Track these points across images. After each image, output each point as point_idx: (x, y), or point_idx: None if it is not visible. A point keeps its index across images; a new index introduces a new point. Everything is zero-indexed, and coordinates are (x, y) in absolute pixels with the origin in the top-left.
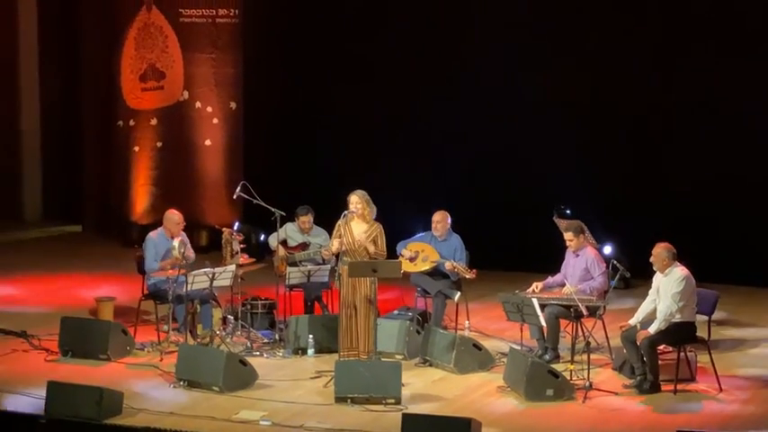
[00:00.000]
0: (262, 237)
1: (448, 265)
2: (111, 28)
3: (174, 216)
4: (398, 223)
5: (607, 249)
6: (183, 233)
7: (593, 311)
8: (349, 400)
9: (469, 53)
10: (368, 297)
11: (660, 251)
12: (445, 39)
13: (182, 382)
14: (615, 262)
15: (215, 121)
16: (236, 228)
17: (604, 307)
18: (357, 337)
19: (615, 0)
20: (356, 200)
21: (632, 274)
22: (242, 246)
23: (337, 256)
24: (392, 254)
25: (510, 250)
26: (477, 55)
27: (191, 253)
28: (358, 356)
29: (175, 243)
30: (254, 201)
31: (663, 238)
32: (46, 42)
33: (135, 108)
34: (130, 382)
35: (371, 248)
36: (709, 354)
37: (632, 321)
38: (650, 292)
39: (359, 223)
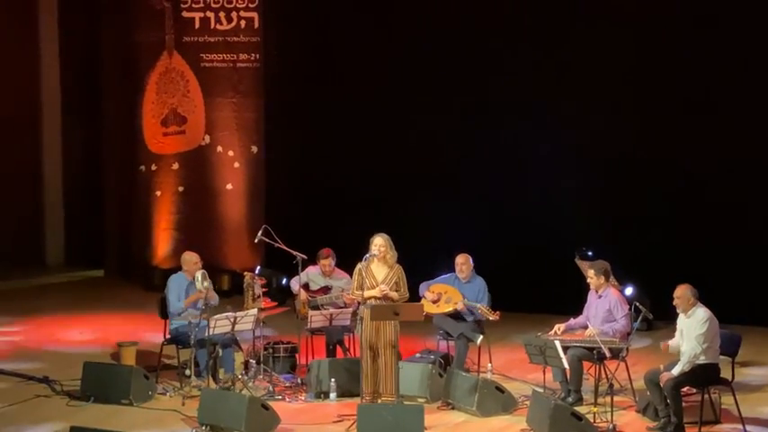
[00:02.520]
0: (284, 280)
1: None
2: (134, 73)
3: (190, 257)
4: (422, 265)
5: (628, 291)
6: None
7: (615, 353)
8: None
9: (495, 100)
10: (390, 341)
11: (683, 292)
12: (470, 85)
13: (204, 427)
14: (637, 304)
15: (236, 165)
16: (257, 271)
17: (627, 349)
18: (379, 381)
19: (632, 50)
20: (381, 242)
21: (655, 316)
22: (264, 290)
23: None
24: (415, 295)
25: (532, 292)
26: (502, 101)
27: (213, 295)
28: (380, 400)
29: (199, 275)
30: (276, 245)
31: (685, 279)
32: (69, 86)
33: (157, 153)
34: (153, 427)
35: (395, 296)
36: (734, 395)
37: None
38: (676, 335)
39: (380, 267)
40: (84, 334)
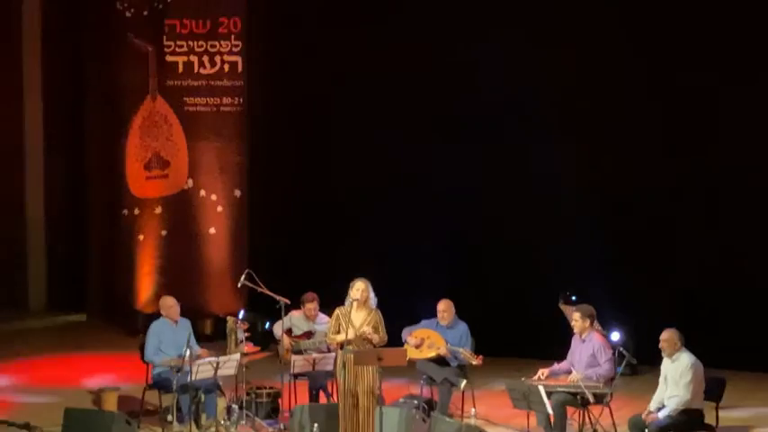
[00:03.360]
0: (267, 325)
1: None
2: (117, 117)
3: (166, 300)
4: (404, 310)
5: (615, 336)
6: (188, 321)
7: (600, 398)
8: None
9: (476, 140)
10: (370, 387)
11: (670, 336)
12: (452, 122)
13: None
14: (621, 348)
15: (219, 209)
16: (241, 316)
17: (611, 394)
18: (358, 428)
19: (627, 88)
20: (362, 286)
21: (639, 361)
22: (247, 334)
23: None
24: (397, 341)
25: (516, 337)
26: (483, 141)
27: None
28: None
29: (186, 354)
30: (259, 289)
31: (669, 323)
32: (52, 131)
33: (140, 196)
34: None
35: (375, 338)
36: None
37: (651, 407)
38: (660, 380)
39: (359, 311)
40: (65, 379)
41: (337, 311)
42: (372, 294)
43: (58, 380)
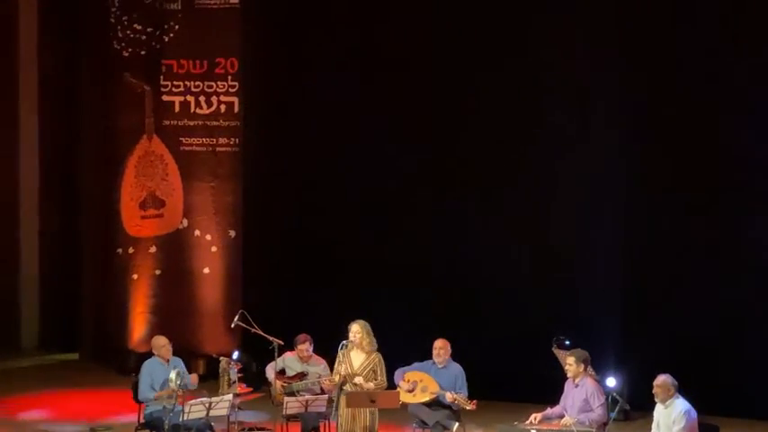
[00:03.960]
0: (260, 366)
1: (449, 397)
2: (112, 155)
3: (158, 340)
4: (397, 352)
5: (611, 381)
6: (180, 360)
7: None
8: None
9: (467, 174)
10: (365, 426)
11: (664, 381)
12: (445, 151)
13: None
14: (615, 394)
15: (213, 249)
16: (235, 357)
17: None
18: None
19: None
20: (357, 329)
21: (632, 407)
22: (240, 375)
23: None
24: (390, 381)
25: (509, 381)
26: (473, 176)
27: (193, 380)
28: None
29: (173, 375)
30: (252, 330)
31: (662, 369)
32: (46, 169)
33: (134, 235)
34: None
35: (370, 385)
36: None
37: None
38: (653, 426)
39: (358, 354)
40: (57, 419)
41: (340, 353)
42: (371, 337)
43: (49, 420)
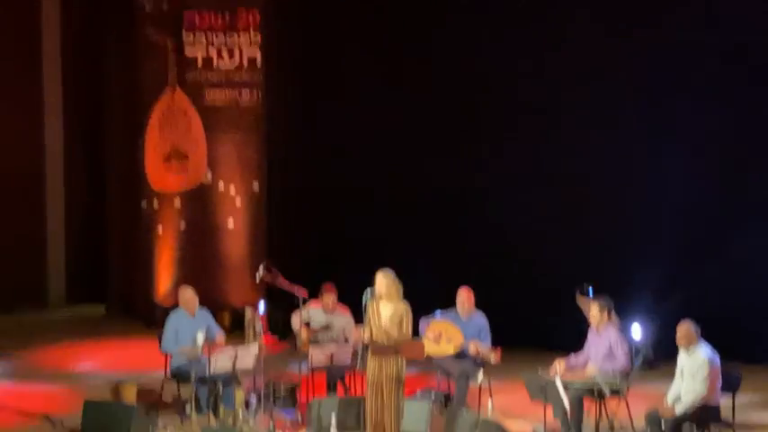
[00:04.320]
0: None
1: (472, 350)
2: (136, 110)
3: (185, 293)
4: (422, 299)
5: (636, 329)
6: (208, 312)
7: (616, 392)
8: None
9: (493, 131)
10: (392, 376)
11: (686, 329)
12: (470, 108)
13: None
14: (638, 341)
15: (238, 202)
16: (260, 308)
17: (628, 387)
18: (382, 419)
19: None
20: (382, 280)
21: (655, 354)
22: (265, 326)
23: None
24: (416, 331)
25: (533, 328)
26: (500, 131)
27: (219, 340)
28: None
29: (200, 339)
30: (277, 282)
31: (686, 316)
32: (71, 124)
33: (159, 190)
34: None
35: (395, 333)
36: None
37: (669, 401)
38: (676, 373)
39: (386, 304)
40: (84, 371)
41: (369, 304)
42: (397, 284)
43: (76, 373)
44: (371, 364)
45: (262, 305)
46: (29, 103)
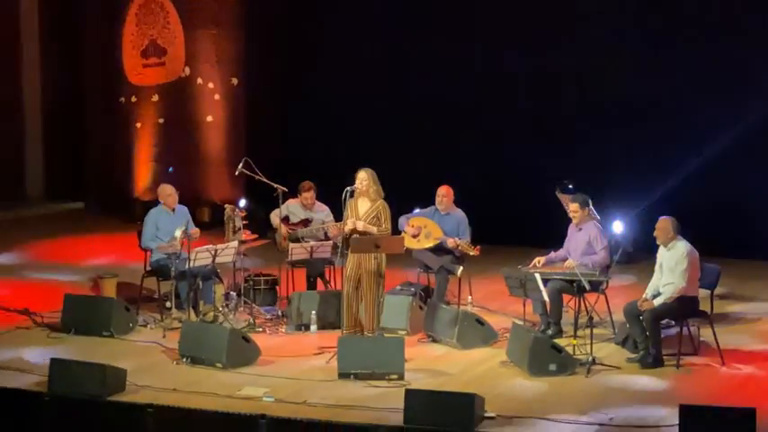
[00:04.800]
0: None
1: (451, 243)
2: (113, 4)
3: (164, 189)
4: (400, 198)
5: (618, 226)
6: (185, 209)
7: (595, 286)
8: (352, 377)
9: (478, 33)
10: (371, 271)
11: (665, 224)
12: (454, 16)
13: (185, 359)
14: (618, 236)
15: (216, 97)
16: (241, 204)
17: (607, 281)
18: (359, 314)
19: None
20: (364, 176)
21: (634, 249)
22: (244, 222)
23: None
24: (395, 228)
25: (512, 225)
26: (484, 35)
27: (195, 232)
28: (362, 333)
29: (178, 233)
30: (257, 177)
31: (666, 212)
32: (47, 20)
33: (137, 84)
34: (134, 359)
35: (373, 230)
36: (712, 328)
37: (647, 294)
38: (656, 268)
39: (364, 201)
40: (63, 267)
41: (348, 200)
42: (377, 185)
43: (55, 267)
44: (351, 258)
45: (242, 201)
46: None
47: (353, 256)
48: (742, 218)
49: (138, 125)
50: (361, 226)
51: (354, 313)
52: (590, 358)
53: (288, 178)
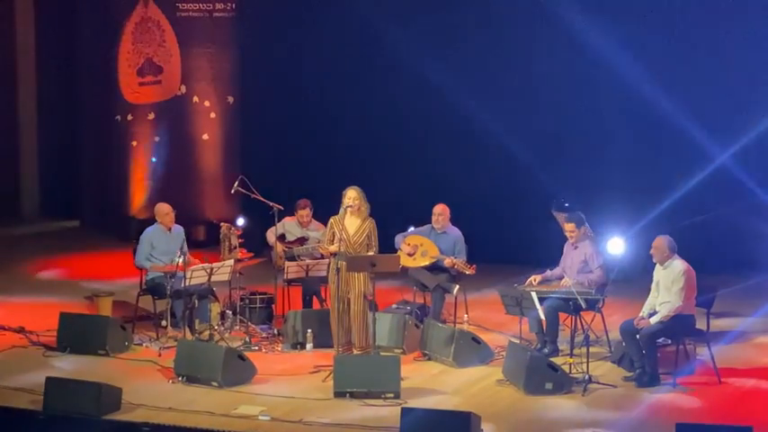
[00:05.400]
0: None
1: (447, 262)
2: (109, 22)
3: (162, 207)
4: (396, 216)
5: (615, 243)
6: (182, 229)
7: (591, 304)
8: (348, 395)
9: (469, 51)
10: (362, 292)
11: (661, 243)
12: (446, 28)
13: (180, 378)
14: (614, 255)
15: (212, 115)
16: (239, 223)
17: (603, 300)
18: (350, 333)
19: None
20: (354, 195)
21: (631, 267)
22: (240, 240)
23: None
24: (391, 246)
25: (508, 244)
26: (476, 54)
27: (188, 260)
28: (352, 351)
29: (180, 261)
30: (252, 195)
31: (662, 231)
32: (44, 37)
33: (133, 102)
34: (129, 378)
35: (363, 250)
36: (708, 346)
37: (643, 313)
38: (652, 287)
39: (353, 219)
40: (59, 285)
41: (332, 220)
42: (366, 202)
43: (51, 286)
44: (341, 280)
45: (240, 220)
46: (0, 13)
47: (343, 275)
48: (739, 234)
49: (134, 143)
50: (358, 236)
51: (345, 332)
52: (586, 377)
53: (283, 196)
